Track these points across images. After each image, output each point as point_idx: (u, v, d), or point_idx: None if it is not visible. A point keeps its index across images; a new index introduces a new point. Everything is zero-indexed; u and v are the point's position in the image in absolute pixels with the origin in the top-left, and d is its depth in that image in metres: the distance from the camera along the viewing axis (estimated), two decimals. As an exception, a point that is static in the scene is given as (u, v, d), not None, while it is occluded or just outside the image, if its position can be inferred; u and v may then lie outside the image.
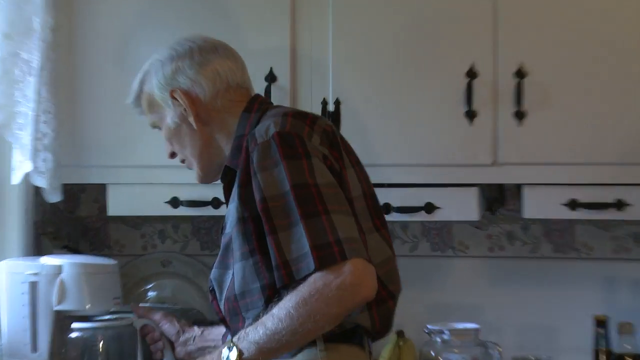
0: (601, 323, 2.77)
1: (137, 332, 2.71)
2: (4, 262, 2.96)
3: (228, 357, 2.11)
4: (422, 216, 2.95)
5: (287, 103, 2.95)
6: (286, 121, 2.21)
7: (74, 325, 2.75)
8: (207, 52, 2.39)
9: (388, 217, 2.91)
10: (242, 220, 2.21)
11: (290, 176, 2.13)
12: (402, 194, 2.93)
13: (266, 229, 2.13)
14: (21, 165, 2.91)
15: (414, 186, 2.94)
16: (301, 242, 2.08)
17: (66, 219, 3.39)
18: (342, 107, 2.94)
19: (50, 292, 2.88)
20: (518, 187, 3.03)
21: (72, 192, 3.40)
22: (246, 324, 2.18)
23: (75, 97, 3.08)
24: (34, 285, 2.90)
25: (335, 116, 2.93)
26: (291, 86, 2.99)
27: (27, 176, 2.97)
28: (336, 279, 2.03)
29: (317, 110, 2.92)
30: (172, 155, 2.49)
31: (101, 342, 2.71)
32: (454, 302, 3.24)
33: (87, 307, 2.79)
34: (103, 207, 3.22)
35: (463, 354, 2.94)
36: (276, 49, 2.99)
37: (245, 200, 2.19)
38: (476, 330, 2.97)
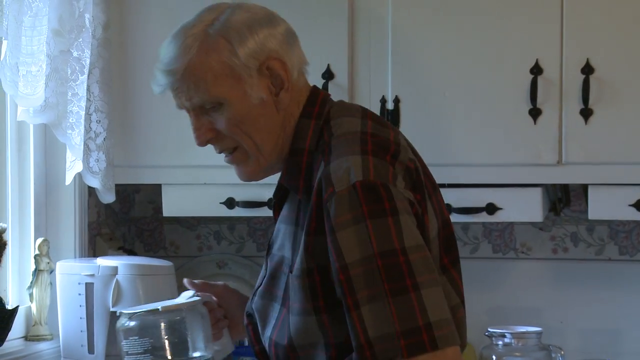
0: (670, 327, 2.74)
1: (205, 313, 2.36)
2: (59, 263, 2.99)
3: None
4: (483, 217, 2.93)
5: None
6: (368, 163, 1.93)
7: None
8: (285, 22, 2.06)
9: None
10: (306, 272, 1.97)
11: (375, 240, 1.88)
12: (463, 195, 2.91)
13: (347, 302, 1.89)
14: (73, 166, 2.93)
15: (476, 186, 2.93)
16: (387, 322, 1.87)
17: (121, 220, 3.40)
18: (402, 105, 2.92)
19: (106, 294, 2.91)
20: (583, 188, 3.01)
21: (127, 192, 3.41)
22: None
23: (128, 96, 3.08)
24: (90, 287, 2.92)
25: (395, 114, 2.92)
26: (349, 83, 2.97)
27: (80, 176, 2.98)
28: None
29: (375, 109, 2.91)
30: (209, 142, 2.08)
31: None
32: (515, 305, 3.22)
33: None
34: (158, 208, 3.24)
35: (525, 358, 2.91)
36: (334, 44, 2.97)
37: (314, 252, 1.96)
38: (539, 333, 2.95)
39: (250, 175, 2.11)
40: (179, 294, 2.71)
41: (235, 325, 2.34)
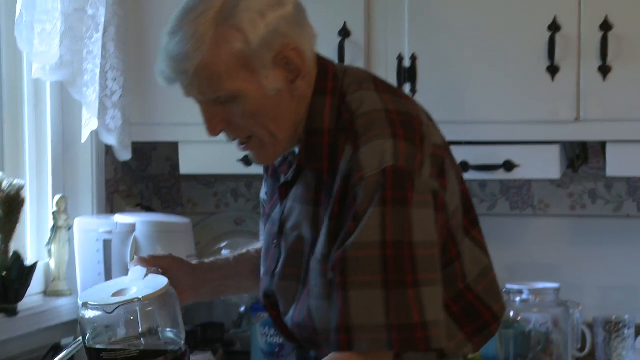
0: (687, 284, 2.75)
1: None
2: (77, 219, 3.01)
3: None
4: (501, 174, 2.93)
5: (361, 59, 2.93)
6: (399, 149, 1.89)
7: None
8: (298, 4, 1.96)
9: (466, 176, 2.87)
10: (327, 257, 1.93)
11: (390, 227, 1.86)
12: (481, 152, 2.91)
13: (337, 281, 1.89)
14: (88, 123, 2.94)
15: (493, 144, 2.93)
16: (375, 312, 1.86)
17: (138, 177, 3.41)
18: (418, 63, 2.91)
19: (124, 250, 2.93)
20: (601, 145, 3.00)
21: (144, 150, 3.42)
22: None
23: (144, 54, 3.07)
24: (107, 243, 2.95)
25: (411, 72, 2.91)
26: (365, 41, 2.95)
27: (97, 134, 2.99)
28: None
29: (392, 67, 2.91)
30: (222, 131, 1.99)
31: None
32: (533, 262, 3.22)
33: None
34: (175, 165, 3.24)
35: (543, 314, 2.93)
36: (350, 1, 2.95)
37: (332, 234, 1.93)
38: (556, 289, 2.97)
39: (266, 161, 2.07)
40: (196, 251, 2.72)
41: (181, 292, 2.17)
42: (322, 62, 2.02)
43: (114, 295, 2.08)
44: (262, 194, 2.26)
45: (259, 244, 2.28)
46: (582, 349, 2.98)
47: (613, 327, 2.77)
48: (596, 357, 2.80)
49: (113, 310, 2.05)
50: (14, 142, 2.97)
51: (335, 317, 1.89)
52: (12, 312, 2.71)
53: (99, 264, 2.95)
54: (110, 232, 2.95)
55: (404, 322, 1.86)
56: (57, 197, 2.98)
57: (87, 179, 3.11)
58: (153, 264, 2.18)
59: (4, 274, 2.69)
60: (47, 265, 2.98)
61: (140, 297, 2.05)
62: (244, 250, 2.33)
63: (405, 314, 1.86)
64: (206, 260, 2.31)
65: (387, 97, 1.99)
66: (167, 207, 3.48)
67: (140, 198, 3.40)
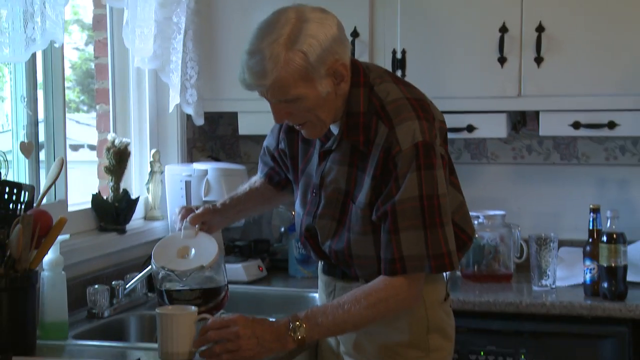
0: (595, 210, 2.73)
1: None
2: (167, 166, 3.03)
3: (295, 330, 1.89)
4: (465, 134, 2.92)
5: (366, 54, 2.91)
6: (424, 127, 1.90)
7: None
8: (335, 18, 1.94)
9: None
10: (369, 205, 1.94)
11: (424, 185, 1.88)
12: (451, 118, 2.79)
13: (389, 227, 1.89)
14: (173, 99, 2.94)
15: (460, 112, 2.90)
16: (420, 246, 1.88)
17: (209, 137, 3.41)
18: (407, 55, 2.90)
19: (200, 188, 2.95)
20: (536, 113, 2.97)
21: (213, 118, 3.42)
22: (359, 273, 2.01)
23: (214, 49, 3.07)
24: (188, 184, 2.96)
25: (402, 62, 2.89)
26: (369, 40, 2.93)
27: (179, 107, 2.99)
28: (406, 300, 1.93)
29: (388, 58, 2.89)
30: (284, 121, 1.98)
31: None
32: (486, 196, 3.21)
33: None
34: (235, 129, 3.24)
35: (493, 232, 2.93)
36: (358, 11, 2.92)
37: (374, 191, 1.93)
38: (503, 215, 2.97)
39: (316, 136, 2.02)
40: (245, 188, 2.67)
41: (213, 227, 2.20)
42: (353, 62, 1.99)
43: (180, 254, 2.06)
44: (270, 143, 2.23)
45: (256, 180, 2.29)
46: (520, 257, 2.98)
47: (542, 242, 2.77)
48: (530, 262, 2.80)
49: (185, 278, 2.04)
50: (123, 113, 2.99)
51: (390, 252, 1.90)
52: (122, 231, 2.74)
53: (182, 197, 2.97)
54: (190, 175, 2.97)
55: (437, 252, 1.89)
56: (153, 150, 3.00)
57: (174, 138, 3.11)
58: (199, 221, 2.15)
59: (116, 204, 2.71)
60: (146, 199, 3.01)
61: (205, 264, 2.04)
62: (248, 189, 2.29)
63: (438, 246, 1.89)
64: (227, 201, 2.27)
65: (403, 88, 1.99)
66: (229, 157, 3.47)
67: (211, 151, 3.40)
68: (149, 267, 2.22)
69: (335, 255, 2.04)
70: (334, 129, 2.01)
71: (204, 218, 2.18)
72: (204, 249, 2.08)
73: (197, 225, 2.13)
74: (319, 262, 2.17)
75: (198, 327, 1.93)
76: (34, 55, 2.39)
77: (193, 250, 2.08)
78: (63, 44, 2.45)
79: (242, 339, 1.86)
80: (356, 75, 1.96)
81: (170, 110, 2.99)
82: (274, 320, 1.95)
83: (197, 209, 2.20)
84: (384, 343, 2.03)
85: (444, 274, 2.07)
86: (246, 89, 1.93)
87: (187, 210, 2.19)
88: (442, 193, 1.90)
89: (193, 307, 1.97)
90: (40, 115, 2.49)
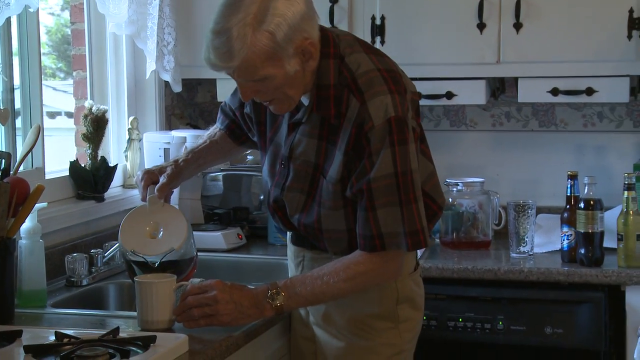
0: (573, 177, 2.74)
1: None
2: (145, 134, 3.01)
3: (274, 298, 1.90)
4: (444, 101, 2.92)
5: (345, 21, 2.89)
6: (396, 101, 1.86)
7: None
8: None
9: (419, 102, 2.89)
10: (340, 180, 1.91)
11: (399, 162, 1.85)
12: (430, 85, 2.90)
13: (365, 204, 1.87)
14: (149, 65, 2.91)
15: (439, 79, 2.90)
16: (397, 223, 1.86)
17: (188, 104, 3.39)
18: (386, 22, 2.88)
19: (179, 155, 2.91)
20: (515, 79, 2.97)
21: (192, 84, 3.39)
22: (328, 247, 2.01)
23: (191, 14, 3.04)
24: (166, 151, 2.94)
25: (381, 29, 2.87)
26: (349, 6, 2.91)
27: (157, 74, 2.96)
28: (385, 274, 1.93)
29: (367, 24, 2.87)
30: (252, 97, 1.93)
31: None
32: (465, 163, 3.22)
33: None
34: (214, 95, 3.22)
35: (472, 199, 2.93)
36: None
37: (346, 166, 1.90)
38: (482, 182, 2.97)
39: (284, 112, 1.99)
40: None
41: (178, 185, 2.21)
42: (323, 31, 1.93)
43: (148, 233, 2.04)
44: (233, 103, 2.20)
45: (214, 131, 2.26)
46: (499, 224, 2.99)
47: (520, 209, 2.78)
48: (509, 229, 2.81)
49: (157, 263, 2.02)
50: (100, 79, 2.96)
51: (368, 228, 1.89)
52: (100, 199, 2.72)
53: (160, 165, 2.95)
54: (168, 143, 2.95)
55: (413, 228, 1.88)
56: (131, 118, 2.97)
57: (152, 105, 3.09)
58: (166, 191, 2.13)
59: (94, 172, 2.70)
60: (125, 166, 2.99)
61: (175, 247, 2.02)
62: (208, 142, 2.26)
63: (413, 222, 1.88)
64: (189, 156, 2.23)
65: (374, 58, 1.93)
66: (208, 124, 3.43)
67: (189, 118, 3.39)
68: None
69: (304, 228, 2.03)
70: (305, 100, 1.98)
71: (170, 186, 2.15)
72: (174, 228, 2.05)
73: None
74: (288, 232, 2.16)
75: (177, 295, 1.93)
76: (8, 21, 2.35)
77: (162, 230, 2.05)
78: (38, 9, 2.42)
79: (220, 303, 1.86)
80: (326, 46, 1.91)
81: (147, 77, 2.96)
82: (252, 287, 1.94)
83: (159, 171, 2.16)
84: (353, 315, 2.02)
85: None
86: (212, 69, 1.88)
87: (149, 176, 2.15)
88: (414, 168, 1.89)
89: (172, 275, 1.96)
90: (16, 81, 2.46)
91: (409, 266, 2.06)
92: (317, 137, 1.95)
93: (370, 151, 1.85)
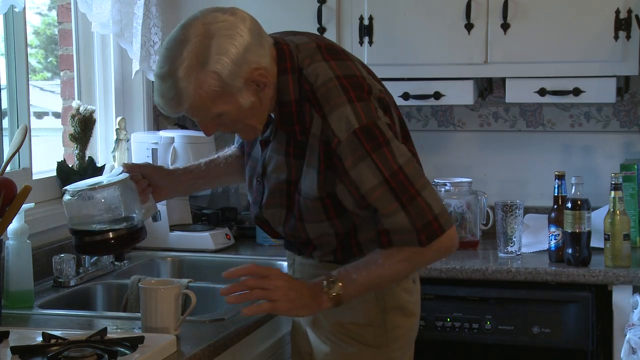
0: (560, 177, 2.75)
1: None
2: (133, 134, 3.00)
3: (330, 287, 1.84)
4: (432, 101, 2.91)
5: (333, 21, 2.88)
6: (357, 110, 1.79)
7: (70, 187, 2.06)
8: (248, 24, 1.80)
9: (407, 103, 2.90)
10: (319, 198, 1.86)
11: (382, 167, 1.79)
12: (418, 85, 2.90)
13: (378, 214, 1.82)
14: (134, 66, 2.90)
15: (427, 79, 2.90)
16: (405, 223, 1.81)
17: (176, 103, 3.37)
18: (374, 22, 2.88)
19: (166, 156, 2.92)
20: (502, 80, 2.98)
21: (180, 84, 3.37)
22: (318, 250, 1.97)
23: (178, 14, 2.98)
24: (154, 151, 2.94)
25: (369, 29, 2.87)
26: (337, 6, 2.90)
27: (144, 74, 2.95)
28: (439, 250, 1.85)
29: (355, 25, 2.87)
30: (214, 132, 1.86)
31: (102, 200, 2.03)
32: (453, 163, 3.22)
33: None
34: (202, 95, 3.20)
35: (460, 199, 2.93)
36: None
37: (324, 184, 1.84)
38: (469, 183, 2.97)
39: (252, 139, 1.96)
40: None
41: (159, 191, 2.12)
42: (278, 46, 1.86)
43: (89, 186, 2.00)
44: None
45: (229, 150, 2.21)
46: (486, 224, 3.00)
47: (508, 209, 2.78)
48: (496, 229, 2.82)
49: (75, 194, 1.97)
50: (87, 79, 2.95)
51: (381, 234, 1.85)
52: (89, 199, 2.70)
53: (148, 165, 2.94)
54: (156, 143, 2.94)
55: (424, 221, 1.81)
56: (119, 118, 2.96)
57: (140, 105, 3.08)
58: (135, 170, 2.07)
59: (82, 172, 2.68)
60: (112, 167, 2.97)
61: (105, 182, 1.97)
62: (215, 156, 2.20)
63: (422, 215, 1.81)
64: (180, 166, 2.18)
65: (334, 64, 1.85)
66: (196, 125, 3.42)
67: (178, 119, 3.37)
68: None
69: (292, 236, 1.99)
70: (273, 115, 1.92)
71: (142, 170, 2.09)
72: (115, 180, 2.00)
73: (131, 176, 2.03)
74: None
75: (181, 301, 1.91)
76: (-5, 21, 2.34)
77: (104, 182, 2.00)
78: (24, 8, 2.40)
79: (282, 290, 1.81)
80: (282, 62, 1.84)
81: (133, 77, 2.95)
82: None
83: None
84: (338, 321, 1.99)
85: None
86: (164, 113, 1.84)
87: (130, 165, 2.12)
88: (404, 162, 1.82)
89: (176, 281, 1.94)
90: (3, 81, 2.45)
91: None
92: (284, 154, 1.90)
93: (345, 168, 1.80)
